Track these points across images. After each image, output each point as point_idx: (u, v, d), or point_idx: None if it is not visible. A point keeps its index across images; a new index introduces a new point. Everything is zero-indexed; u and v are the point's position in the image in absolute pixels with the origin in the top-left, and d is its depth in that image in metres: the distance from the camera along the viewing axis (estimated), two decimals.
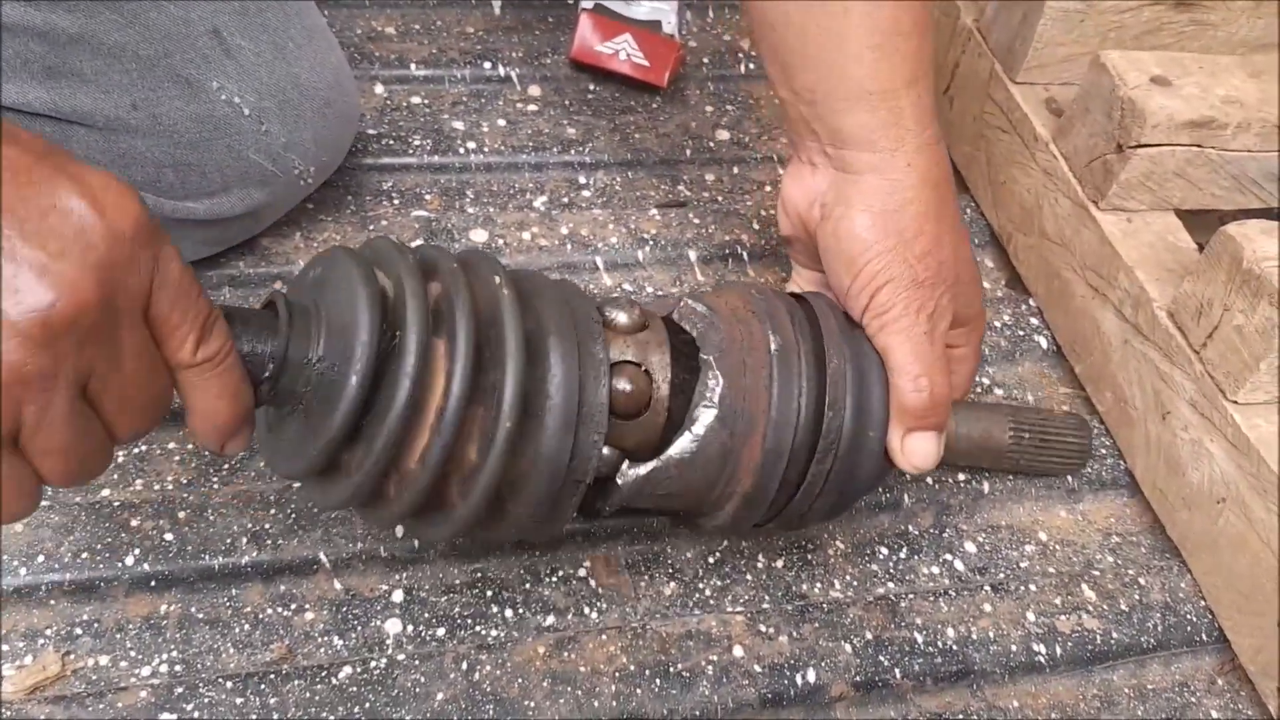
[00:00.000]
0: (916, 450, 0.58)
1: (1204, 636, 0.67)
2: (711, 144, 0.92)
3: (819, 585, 0.66)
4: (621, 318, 0.56)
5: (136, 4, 0.63)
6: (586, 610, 0.63)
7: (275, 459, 0.54)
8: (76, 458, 0.42)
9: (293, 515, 0.64)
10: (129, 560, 0.61)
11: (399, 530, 0.64)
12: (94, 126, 0.65)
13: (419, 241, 0.79)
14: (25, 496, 0.42)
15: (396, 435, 0.49)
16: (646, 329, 0.57)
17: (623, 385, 0.54)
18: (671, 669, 0.61)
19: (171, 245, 0.43)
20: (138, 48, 0.64)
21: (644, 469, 0.55)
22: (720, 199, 0.87)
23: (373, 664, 0.59)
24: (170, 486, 0.64)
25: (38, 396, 0.39)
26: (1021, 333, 0.82)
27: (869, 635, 0.64)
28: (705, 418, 0.55)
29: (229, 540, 0.62)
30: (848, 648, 0.63)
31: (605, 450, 0.54)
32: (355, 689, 0.58)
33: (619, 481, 0.55)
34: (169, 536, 0.62)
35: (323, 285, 0.52)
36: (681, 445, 0.55)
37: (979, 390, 0.77)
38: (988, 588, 0.67)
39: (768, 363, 0.56)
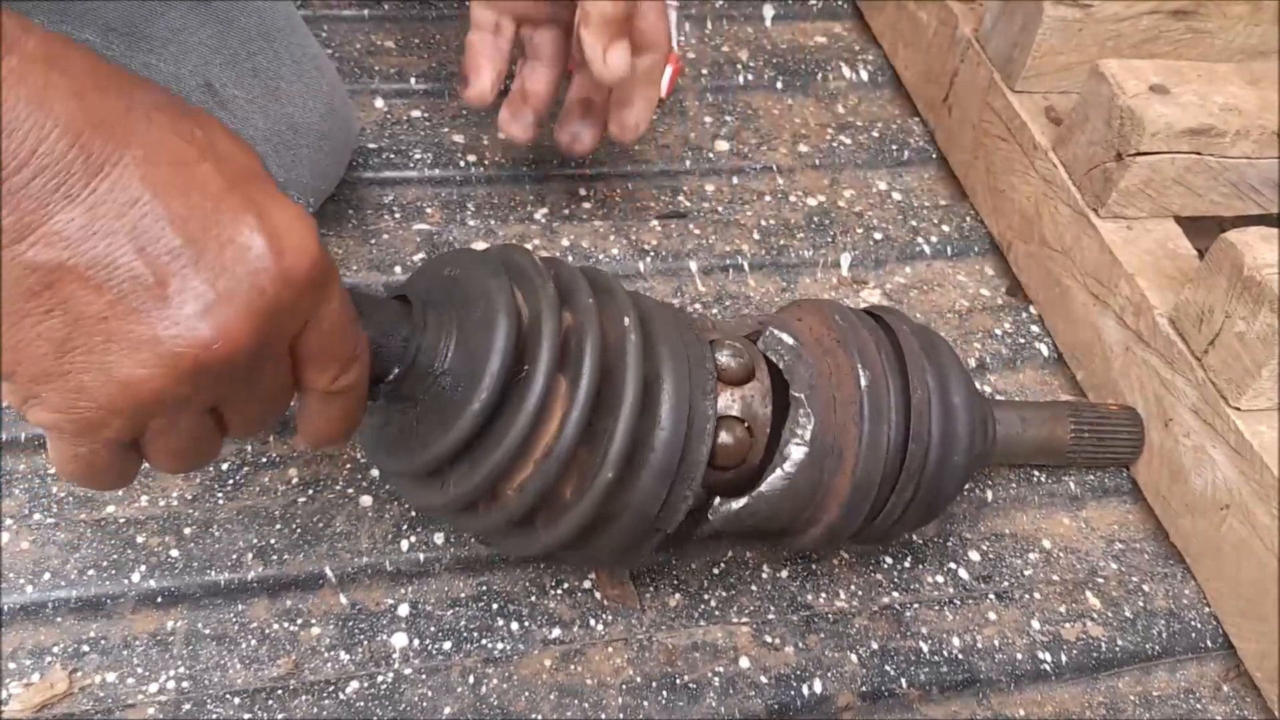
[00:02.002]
0: (618, 61, 0.61)
1: (1209, 643, 0.67)
2: (711, 154, 0.92)
3: (824, 595, 0.66)
4: (732, 365, 0.56)
5: (126, 66, 0.58)
6: (592, 622, 0.63)
7: (375, 449, 0.55)
8: (188, 460, 0.44)
9: (298, 530, 0.64)
10: (135, 577, 0.61)
11: (404, 551, 0.64)
12: None
13: (421, 256, 0.80)
14: (124, 479, 0.44)
15: (503, 467, 0.50)
16: (753, 379, 0.57)
17: (725, 439, 0.55)
18: (678, 681, 0.61)
19: (337, 283, 0.43)
20: None
21: (735, 505, 0.56)
22: (720, 209, 0.88)
23: (379, 679, 0.59)
24: (175, 502, 0.64)
25: (168, 415, 0.40)
26: (1022, 340, 0.82)
27: (875, 645, 0.64)
28: (796, 455, 0.55)
29: (235, 556, 0.62)
30: (854, 658, 0.63)
31: (692, 500, 0.55)
32: (362, 704, 0.58)
33: (710, 516, 0.56)
34: (175, 552, 0.62)
35: (459, 291, 0.52)
36: (772, 481, 0.55)
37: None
38: (992, 596, 0.67)
39: (857, 398, 0.57)
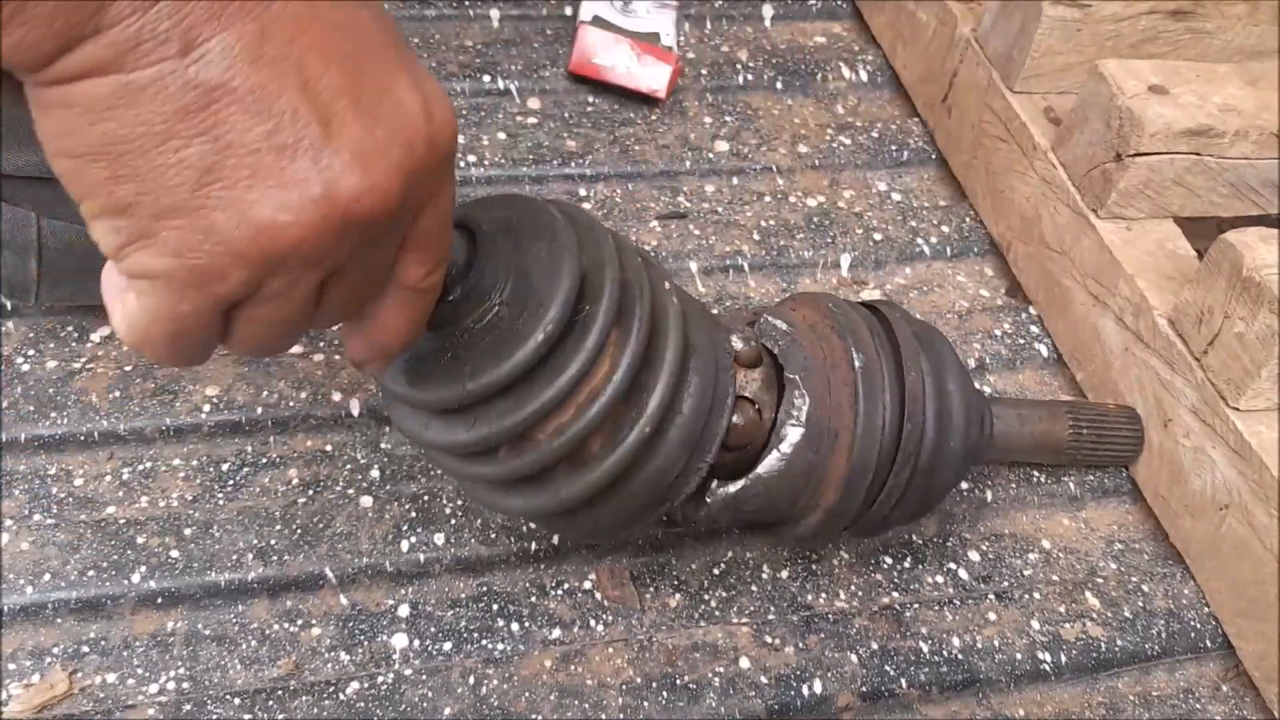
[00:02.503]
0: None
1: (1208, 643, 0.67)
2: (711, 155, 0.92)
3: (824, 595, 0.66)
4: (744, 350, 0.57)
5: None
6: (592, 623, 0.63)
7: (394, 376, 0.52)
8: (281, 334, 0.40)
9: (298, 531, 0.64)
10: (135, 578, 0.61)
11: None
12: None
13: None
14: (203, 354, 0.40)
15: (551, 405, 0.48)
16: (762, 364, 0.57)
17: (738, 420, 0.55)
18: (678, 681, 0.61)
19: (454, 174, 0.41)
20: None
21: (733, 487, 0.56)
22: (720, 210, 0.88)
23: (380, 679, 0.59)
24: (175, 503, 0.64)
25: (294, 273, 0.36)
26: (1022, 341, 0.82)
27: (875, 645, 0.64)
28: (792, 436, 0.56)
29: (235, 556, 0.62)
30: (854, 658, 0.63)
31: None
32: (362, 704, 0.58)
33: (707, 499, 0.56)
34: (175, 553, 0.62)
35: (521, 231, 0.50)
36: (769, 464, 0.56)
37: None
38: (992, 596, 0.67)
39: (852, 380, 0.57)
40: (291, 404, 0.69)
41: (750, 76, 1.00)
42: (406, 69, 0.37)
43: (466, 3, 1.00)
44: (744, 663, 0.62)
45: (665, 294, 0.53)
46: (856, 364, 0.57)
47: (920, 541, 0.69)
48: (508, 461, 0.51)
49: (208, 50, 0.32)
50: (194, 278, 0.35)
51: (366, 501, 0.66)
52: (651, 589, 0.65)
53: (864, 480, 0.57)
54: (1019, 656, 0.65)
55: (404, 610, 0.62)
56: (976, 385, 0.79)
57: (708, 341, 0.54)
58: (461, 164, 0.87)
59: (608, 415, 0.50)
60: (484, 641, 0.61)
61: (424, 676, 0.59)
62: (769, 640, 0.63)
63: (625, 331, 0.50)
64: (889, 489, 0.58)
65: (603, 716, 0.59)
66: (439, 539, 0.65)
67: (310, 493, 0.65)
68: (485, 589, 0.63)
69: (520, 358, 0.47)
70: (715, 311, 0.70)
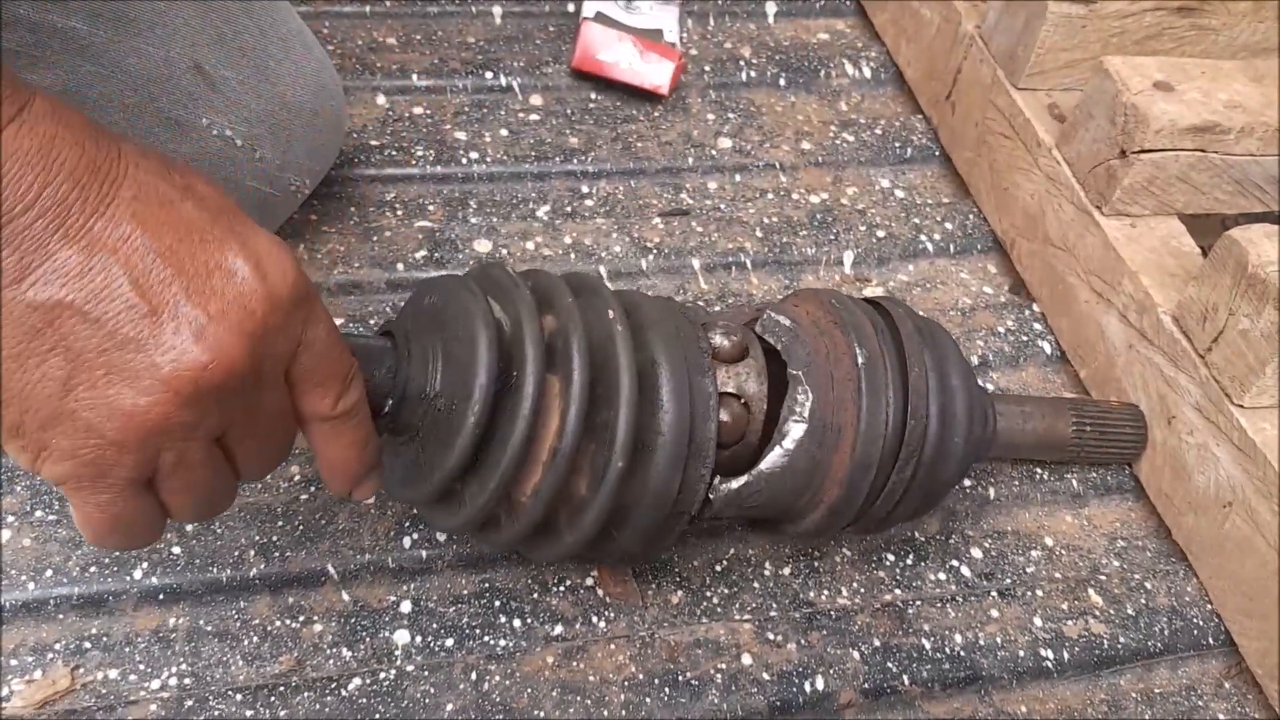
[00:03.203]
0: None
1: (1211, 640, 0.67)
2: (714, 152, 0.92)
3: (826, 592, 0.66)
4: (725, 344, 0.57)
5: (115, 52, 0.59)
6: (594, 619, 0.63)
7: (391, 483, 0.56)
8: (204, 498, 0.44)
9: (300, 527, 0.64)
10: (137, 574, 0.61)
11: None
12: None
13: (423, 254, 0.80)
14: (152, 531, 0.45)
15: (510, 473, 0.51)
16: (747, 356, 0.57)
17: (724, 417, 0.55)
18: (680, 677, 0.61)
19: (321, 308, 0.45)
20: (122, 96, 0.60)
21: (735, 483, 0.56)
22: (723, 207, 0.88)
23: (382, 675, 0.59)
24: None
25: (177, 445, 0.40)
26: (1025, 338, 0.82)
27: (877, 642, 0.64)
28: (795, 432, 0.55)
29: (237, 553, 0.62)
30: (856, 655, 0.63)
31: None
32: (364, 700, 0.58)
33: (710, 496, 0.56)
34: (177, 550, 0.62)
35: (440, 316, 0.53)
36: (772, 459, 0.56)
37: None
38: (994, 593, 0.67)
39: (855, 375, 0.57)
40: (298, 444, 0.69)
41: (753, 73, 1.00)
42: (235, 239, 0.41)
43: None
44: (746, 659, 0.62)
45: (609, 323, 0.53)
46: (859, 359, 0.57)
47: (923, 539, 0.69)
48: (510, 527, 0.54)
49: (40, 275, 0.36)
50: (92, 471, 0.39)
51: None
52: (653, 585, 0.65)
53: (867, 476, 0.57)
54: (1021, 653, 0.65)
55: (406, 607, 0.62)
56: (979, 382, 0.79)
57: (676, 352, 0.54)
58: (463, 161, 0.87)
59: (576, 461, 0.52)
60: (486, 638, 0.61)
61: (426, 673, 0.59)
62: (771, 637, 0.63)
63: (566, 378, 0.51)
64: (892, 485, 0.58)
65: (605, 713, 0.59)
66: (441, 535, 0.65)
67: (312, 489, 0.65)
68: (487, 585, 0.63)
69: (461, 444, 0.50)
70: (716, 308, 0.70)
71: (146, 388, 0.38)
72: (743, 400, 0.56)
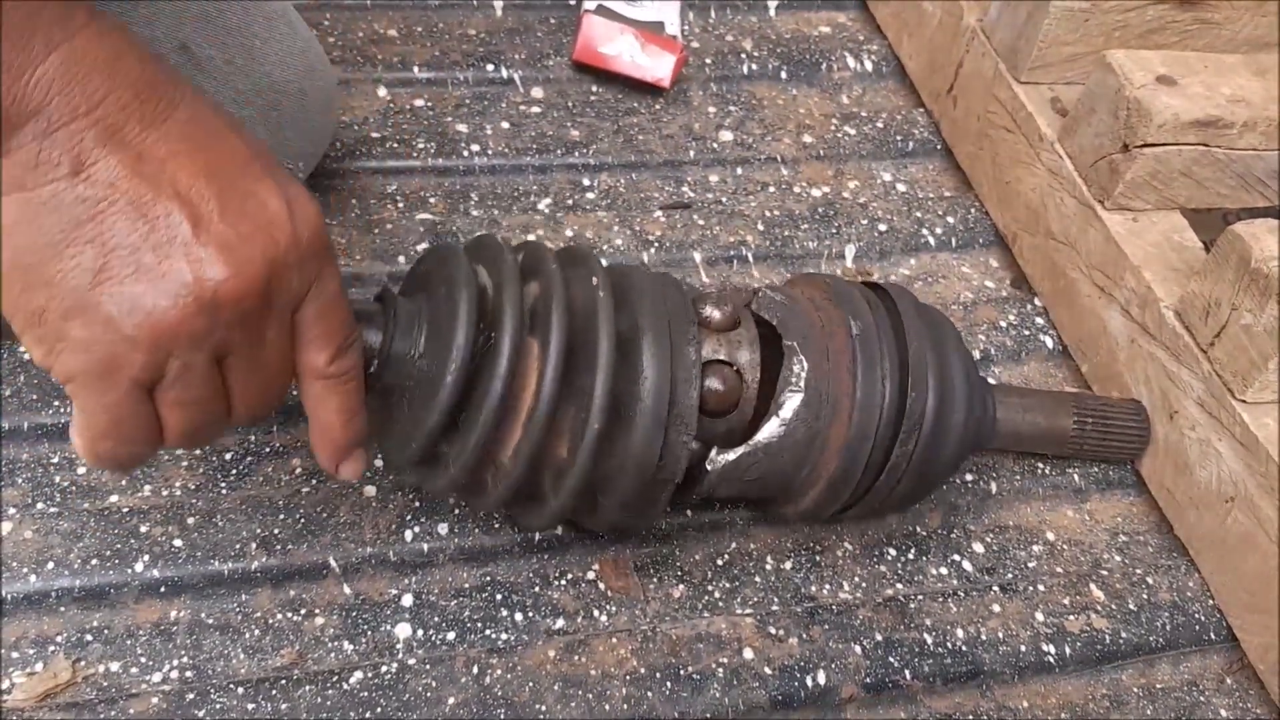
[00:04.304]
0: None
1: (1212, 635, 0.67)
2: (715, 145, 0.92)
3: (828, 587, 0.66)
4: (715, 315, 0.57)
5: None
6: (596, 613, 0.63)
7: (383, 445, 0.57)
8: (199, 415, 0.45)
9: (301, 520, 0.64)
10: (138, 566, 0.60)
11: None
12: None
13: (424, 246, 0.79)
14: (146, 443, 0.45)
15: (488, 433, 0.52)
16: (739, 326, 0.58)
17: (714, 385, 0.56)
18: (682, 671, 0.61)
19: (335, 266, 0.47)
20: None
21: (732, 455, 0.56)
22: (724, 200, 0.87)
23: (383, 669, 0.59)
24: (179, 492, 0.64)
25: (185, 353, 0.42)
26: (1027, 332, 0.82)
27: (879, 636, 0.64)
28: (791, 402, 0.56)
29: (238, 545, 0.62)
30: (857, 649, 0.63)
31: (694, 445, 0.56)
32: (366, 694, 0.58)
33: (707, 467, 0.56)
34: (178, 542, 0.62)
35: (429, 281, 0.54)
36: (769, 430, 0.56)
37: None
38: (996, 588, 0.67)
39: (850, 347, 0.58)
40: (294, 394, 0.69)
41: (755, 66, 1.00)
42: (272, 178, 0.44)
43: None
44: (748, 653, 0.62)
45: (592, 289, 0.54)
46: (854, 330, 0.58)
47: (924, 533, 0.69)
48: (495, 490, 0.55)
49: (94, 171, 0.39)
50: (103, 367, 0.41)
51: (370, 491, 0.65)
52: (655, 579, 0.65)
53: (864, 447, 0.57)
54: (1023, 648, 0.65)
55: (407, 600, 0.62)
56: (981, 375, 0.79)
57: (660, 320, 0.54)
58: (465, 153, 0.86)
59: (553, 424, 0.53)
60: (488, 631, 0.61)
61: (428, 666, 0.59)
62: (773, 631, 0.63)
63: (544, 341, 0.52)
64: (895, 460, 0.58)
65: (606, 707, 0.59)
66: (442, 529, 0.65)
67: (314, 482, 0.65)
68: (489, 579, 0.63)
69: (440, 401, 0.51)
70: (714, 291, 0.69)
71: (168, 290, 0.41)
72: (734, 367, 0.56)
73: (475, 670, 0.59)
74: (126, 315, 0.40)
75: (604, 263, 0.58)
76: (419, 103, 0.90)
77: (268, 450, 0.66)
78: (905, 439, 0.58)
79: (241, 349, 0.44)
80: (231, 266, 0.41)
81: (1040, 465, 0.74)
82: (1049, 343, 0.81)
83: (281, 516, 0.64)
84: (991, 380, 0.78)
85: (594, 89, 0.95)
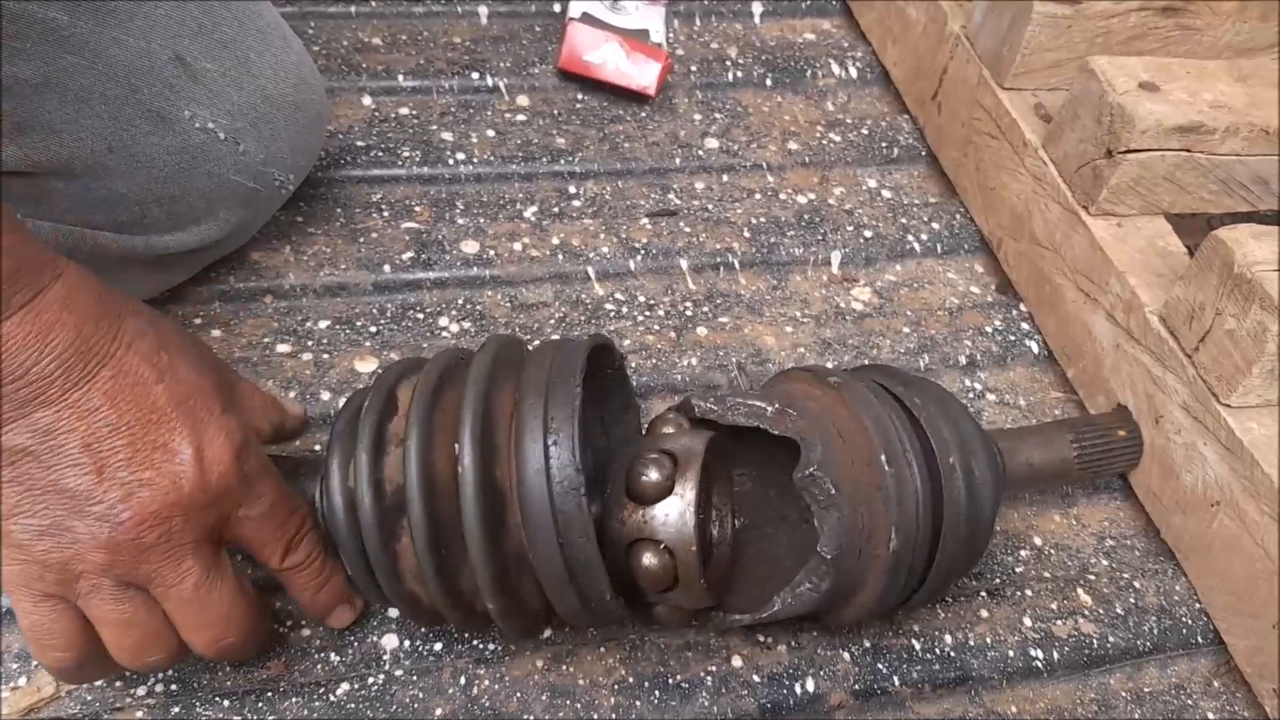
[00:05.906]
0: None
1: (1199, 639, 0.67)
2: (701, 152, 0.92)
3: None
4: (647, 483, 0.52)
5: (95, 42, 0.60)
6: None
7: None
8: (133, 636, 0.50)
9: None
10: None
11: None
12: (71, 176, 0.62)
13: (410, 255, 0.79)
14: (68, 649, 0.50)
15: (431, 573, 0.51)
16: (671, 495, 0.52)
17: (650, 562, 0.52)
18: (670, 680, 0.61)
19: (266, 484, 0.52)
20: (104, 88, 0.61)
21: (764, 613, 0.55)
22: (710, 207, 0.87)
23: (370, 680, 0.59)
24: None
25: (91, 578, 0.48)
26: (1012, 338, 0.82)
27: (867, 643, 0.64)
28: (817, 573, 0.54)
29: None
30: (846, 656, 0.63)
31: (663, 610, 0.55)
32: (353, 705, 0.58)
33: (729, 622, 0.56)
34: None
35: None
36: (801, 595, 0.55)
37: (970, 396, 0.78)
38: (984, 593, 0.67)
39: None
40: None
41: (740, 73, 1.00)
42: (189, 425, 0.49)
43: None
44: (736, 661, 0.62)
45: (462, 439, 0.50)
46: (893, 546, 0.54)
47: None
48: (453, 616, 0.54)
49: (15, 427, 0.45)
50: (21, 579, 0.48)
51: None
52: None
53: (904, 562, 0.55)
54: (1011, 653, 0.65)
55: (394, 610, 0.61)
56: (971, 388, 0.79)
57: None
58: (450, 161, 0.86)
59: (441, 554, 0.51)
60: (474, 642, 0.61)
61: (415, 677, 0.59)
62: (761, 639, 0.63)
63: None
64: (944, 546, 0.56)
65: (594, 716, 0.59)
66: None
67: None
68: None
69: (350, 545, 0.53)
70: (706, 313, 0.68)
71: (70, 527, 0.47)
72: (664, 546, 0.52)
73: (462, 681, 0.59)
74: (35, 542, 0.47)
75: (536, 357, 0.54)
76: (404, 111, 0.90)
77: None
78: (951, 531, 0.56)
79: (161, 577, 0.49)
80: (131, 510, 0.47)
81: None
82: (1034, 348, 0.81)
83: None
84: (978, 386, 0.78)
85: (579, 97, 0.95)
